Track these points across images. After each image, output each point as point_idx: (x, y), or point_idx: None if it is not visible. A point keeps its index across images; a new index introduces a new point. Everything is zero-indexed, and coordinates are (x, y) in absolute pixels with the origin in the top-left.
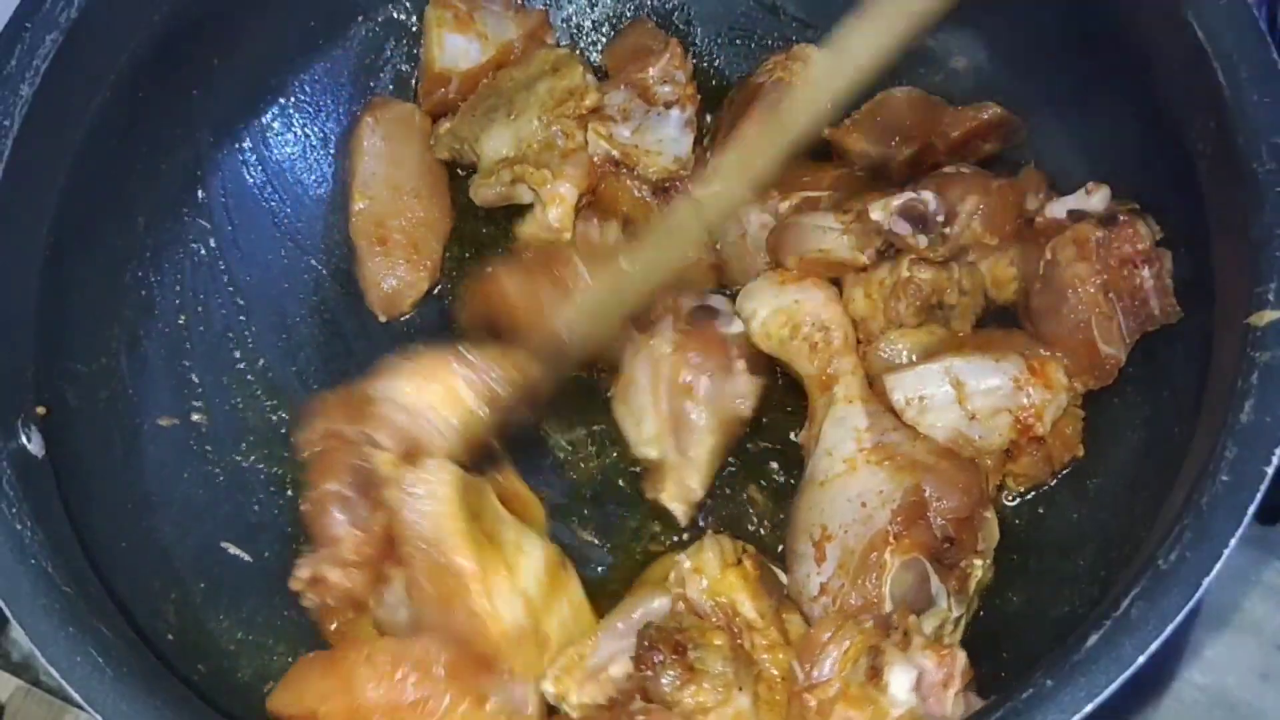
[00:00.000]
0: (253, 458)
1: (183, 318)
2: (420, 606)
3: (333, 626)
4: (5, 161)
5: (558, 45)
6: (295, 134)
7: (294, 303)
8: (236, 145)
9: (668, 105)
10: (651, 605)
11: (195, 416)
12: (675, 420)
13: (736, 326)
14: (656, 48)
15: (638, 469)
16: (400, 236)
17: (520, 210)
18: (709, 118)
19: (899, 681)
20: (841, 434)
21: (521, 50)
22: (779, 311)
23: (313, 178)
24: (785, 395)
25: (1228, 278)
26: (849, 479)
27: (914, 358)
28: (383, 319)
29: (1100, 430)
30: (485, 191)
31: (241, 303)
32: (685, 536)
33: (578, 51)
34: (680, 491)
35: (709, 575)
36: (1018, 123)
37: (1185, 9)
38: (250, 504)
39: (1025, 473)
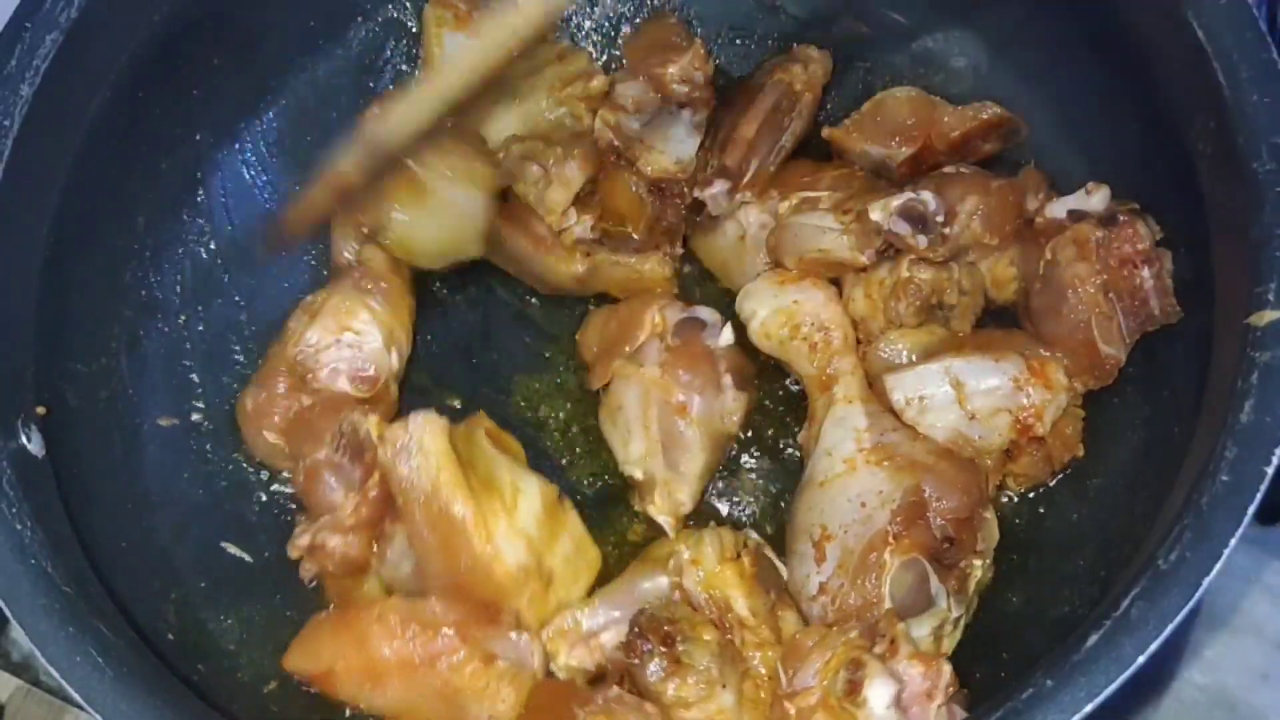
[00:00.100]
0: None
1: (183, 318)
2: (423, 558)
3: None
4: (5, 161)
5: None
6: (295, 134)
7: (294, 302)
8: (236, 145)
9: (681, 105)
10: (653, 582)
11: (195, 416)
12: (666, 438)
13: (725, 338)
14: (680, 45)
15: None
16: None
17: None
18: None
19: (877, 696)
20: (841, 434)
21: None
22: (779, 311)
23: (313, 178)
24: (785, 395)
25: (1228, 278)
26: (849, 479)
27: (914, 358)
28: None
29: (1100, 430)
30: None
31: (241, 303)
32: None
33: None
34: (668, 505)
35: (705, 568)
36: (1018, 123)
37: (1185, 9)
38: (250, 504)
39: (1025, 473)
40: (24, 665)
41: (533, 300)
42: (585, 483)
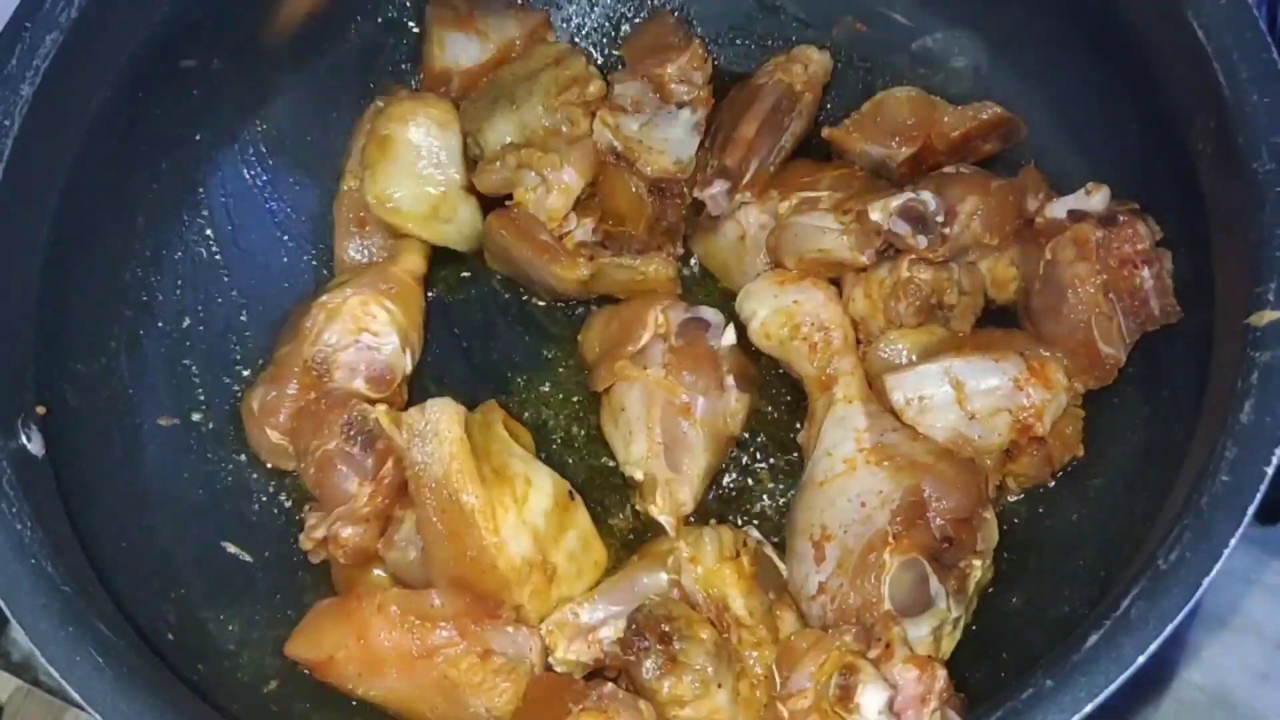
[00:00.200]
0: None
1: (183, 318)
2: (430, 544)
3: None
4: (5, 161)
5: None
6: (295, 134)
7: (294, 302)
8: (236, 145)
9: (680, 105)
10: (652, 579)
11: (195, 416)
12: (669, 439)
13: (727, 339)
14: (678, 44)
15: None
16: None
17: None
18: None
19: (870, 702)
20: (841, 434)
21: (522, 49)
22: (779, 312)
23: (313, 178)
24: (785, 396)
25: (1228, 278)
26: (848, 479)
27: (914, 358)
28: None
29: (1100, 430)
30: (489, 178)
31: (241, 303)
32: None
33: None
34: (670, 505)
35: (704, 566)
36: (1018, 123)
37: (1185, 9)
38: (250, 504)
39: (1025, 473)
40: (24, 665)
41: (533, 300)
42: (585, 482)
